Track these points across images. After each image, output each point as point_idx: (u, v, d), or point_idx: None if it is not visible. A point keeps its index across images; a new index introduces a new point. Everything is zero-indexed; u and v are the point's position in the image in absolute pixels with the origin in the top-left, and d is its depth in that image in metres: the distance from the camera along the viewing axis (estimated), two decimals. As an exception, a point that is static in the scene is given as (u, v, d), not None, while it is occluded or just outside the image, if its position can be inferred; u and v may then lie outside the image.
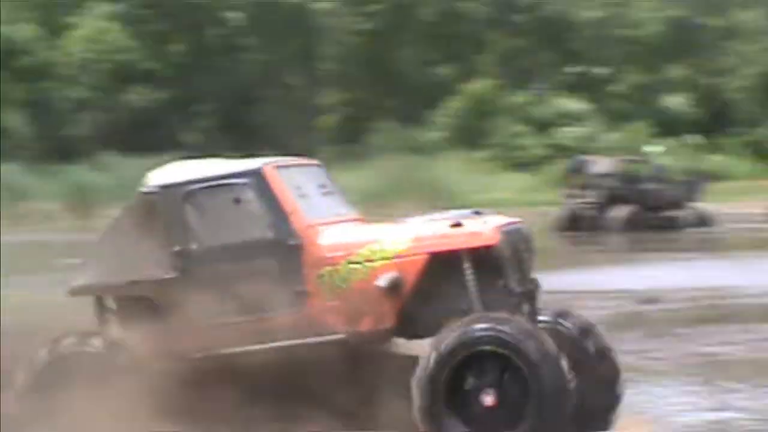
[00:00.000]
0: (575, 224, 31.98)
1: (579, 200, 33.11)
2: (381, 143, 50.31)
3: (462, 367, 8.87)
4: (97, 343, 9.69)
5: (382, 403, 9.32)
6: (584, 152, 39.52)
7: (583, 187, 33.43)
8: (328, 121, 62.68)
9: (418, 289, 9.39)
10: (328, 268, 9.60)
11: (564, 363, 8.81)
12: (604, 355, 9.38)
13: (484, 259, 9.25)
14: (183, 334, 9.66)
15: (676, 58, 51.57)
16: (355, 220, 9.90)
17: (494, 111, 52.30)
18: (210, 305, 9.65)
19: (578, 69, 52.39)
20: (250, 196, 9.72)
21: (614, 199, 32.87)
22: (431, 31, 59.07)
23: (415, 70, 59.75)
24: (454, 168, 44.33)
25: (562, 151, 44.21)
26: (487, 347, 8.87)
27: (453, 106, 53.63)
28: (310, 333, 9.49)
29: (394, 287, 9.34)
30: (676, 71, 50.95)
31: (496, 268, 9.30)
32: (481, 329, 8.88)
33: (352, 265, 9.57)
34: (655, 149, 39.81)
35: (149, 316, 9.76)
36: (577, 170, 34.76)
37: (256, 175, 9.75)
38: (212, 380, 9.46)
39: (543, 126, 50.92)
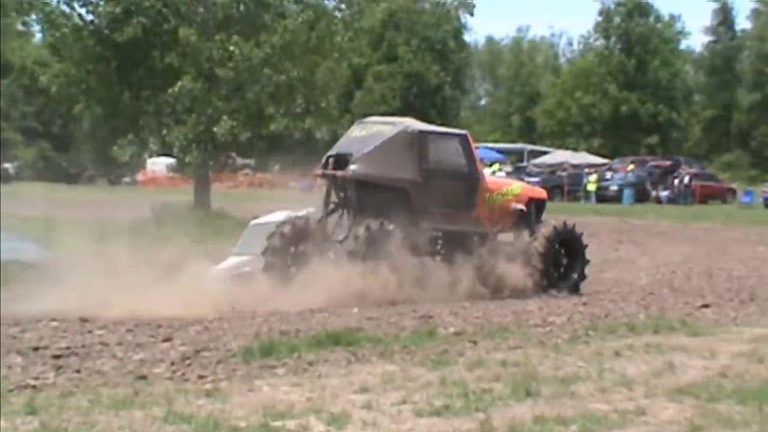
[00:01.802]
0: None
1: None
2: None
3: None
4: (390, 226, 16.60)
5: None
6: None
7: None
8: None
9: (523, 212, 18.15)
10: (488, 194, 17.94)
11: None
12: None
13: (540, 203, 18.89)
14: (419, 215, 17.14)
15: None
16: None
17: None
18: (434, 200, 17.28)
19: None
20: (459, 146, 17.64)
21: None
22: None
23: None
24: None
25: None
26: (568, 234, 18.03)
27: None
28: (474, 225, 17.68)
29: (519, 209, 18.11)
30: None
31: (543, 207, 18.98)
32: (567, 225, 18.11)
33: (498, 195, 18.14)
34: None
35: (401, 202, 17.02)
36: None
37: (464, 136, 18.01)
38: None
39: None
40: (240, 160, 58.02)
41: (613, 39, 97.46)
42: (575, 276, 18.01)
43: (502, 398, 9.02)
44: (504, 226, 18.26)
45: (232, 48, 34.13)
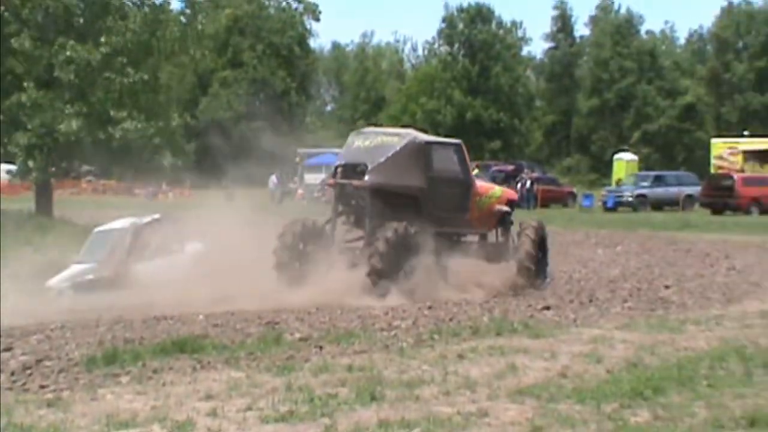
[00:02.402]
0: None
1: None
2: None
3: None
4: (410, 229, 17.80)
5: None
6: None
7: None
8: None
9: (505, 212, 20.16)
10: (478, 197, 19.78)
11: None
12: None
13: (513, 203, 20.76)
14: (427, 219, 18.35)
15: None
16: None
17: None
18: (438, 205, 18.89)
19: None
20: (456, 154, 19.47)
21: None
22: None
23: None
24: None
25: None
26: (542, 232, 19.75)
27: None
28: (468, 227, 19.83)
29: (503, 211, 20.12)
30: None
31: (513, 208, 20.60)
32: (539, 224, 20.00)
33: (486, 198, 19.99)
34: None
35: (411, 208, 18.46)
36: None
37: (459, 145, 19.62)
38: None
39: None
40: (83, 167, 57.01)
41: (456, 45, 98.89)
42: (546, 268, 19.99)
43: (347, 403, 9.10)
44: (489, 227, 20.25)
45: (68, 52, 33.41)
